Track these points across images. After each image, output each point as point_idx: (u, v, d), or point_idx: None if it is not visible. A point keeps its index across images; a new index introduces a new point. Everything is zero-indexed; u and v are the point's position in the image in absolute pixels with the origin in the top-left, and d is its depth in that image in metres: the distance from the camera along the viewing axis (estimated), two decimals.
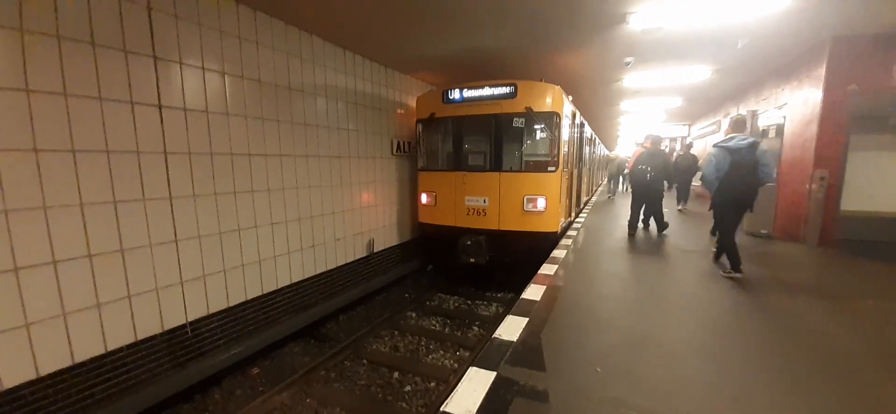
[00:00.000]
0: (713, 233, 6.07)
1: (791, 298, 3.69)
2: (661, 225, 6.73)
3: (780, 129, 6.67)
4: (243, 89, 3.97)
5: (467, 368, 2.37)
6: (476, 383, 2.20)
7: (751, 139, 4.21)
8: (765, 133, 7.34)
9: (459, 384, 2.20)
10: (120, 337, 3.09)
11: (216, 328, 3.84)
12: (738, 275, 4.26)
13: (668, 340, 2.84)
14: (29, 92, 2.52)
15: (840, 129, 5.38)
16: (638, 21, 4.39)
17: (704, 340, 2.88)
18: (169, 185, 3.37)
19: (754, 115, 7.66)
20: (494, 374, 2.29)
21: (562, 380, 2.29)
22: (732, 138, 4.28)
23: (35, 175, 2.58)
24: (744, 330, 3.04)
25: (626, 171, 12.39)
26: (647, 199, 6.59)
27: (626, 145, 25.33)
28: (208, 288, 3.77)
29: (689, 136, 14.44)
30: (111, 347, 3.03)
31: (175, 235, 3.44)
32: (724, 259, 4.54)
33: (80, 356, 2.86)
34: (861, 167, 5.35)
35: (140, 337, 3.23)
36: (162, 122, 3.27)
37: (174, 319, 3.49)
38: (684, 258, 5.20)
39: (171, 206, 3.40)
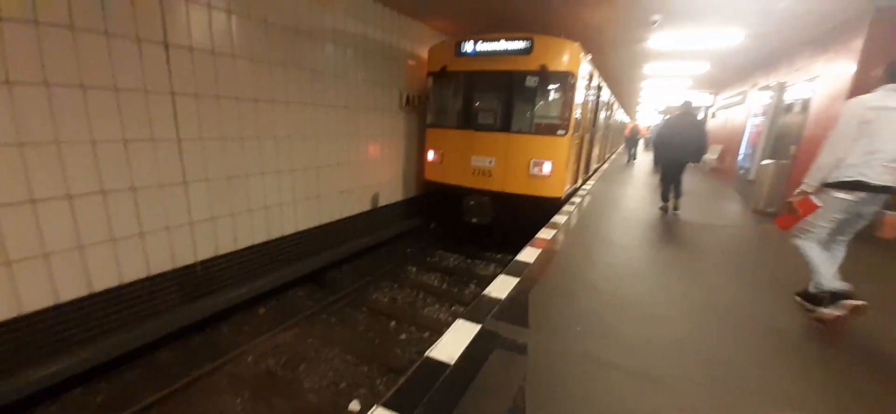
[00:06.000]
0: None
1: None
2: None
3: (805, 104, 6.34)
4: (250, 30, 3.89)
5: (455, 321, 2.49)
6: (461, 333, 2.32)
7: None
8: (790, 108, 7.00)
9: (446, 333, 2.32)
10: (134, 271, 3.30)
11: (225, 269, 4.05)
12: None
13: (650, 304, 2.93)
14: (37, 24, 2.53)
15: None
16: None
17: (688, 307, 2.93)
18: (177, 126, 3.42)
19: (782, 87, 7.27)
20: (479, 326, 2.40)
21: (542, 335, 2.39)
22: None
23: (47, 109, 2.64)
24: (731, 301, 3.09)
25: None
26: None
27: (649, 114, 24.53)
28: (217, 230, 3.92)
29: (713, 104, 13.76)
30: (126, 280, 3.25)
31: (184, 176, 3.55)
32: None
33: (97, 286, 3.07)
34: None
35: (153, 272, 3.43)
36: (168, 60, 3.27)
37: (185, 258, 3.68)
38: (684, 230, 5.16)
39: (180, 147, 3.47)
